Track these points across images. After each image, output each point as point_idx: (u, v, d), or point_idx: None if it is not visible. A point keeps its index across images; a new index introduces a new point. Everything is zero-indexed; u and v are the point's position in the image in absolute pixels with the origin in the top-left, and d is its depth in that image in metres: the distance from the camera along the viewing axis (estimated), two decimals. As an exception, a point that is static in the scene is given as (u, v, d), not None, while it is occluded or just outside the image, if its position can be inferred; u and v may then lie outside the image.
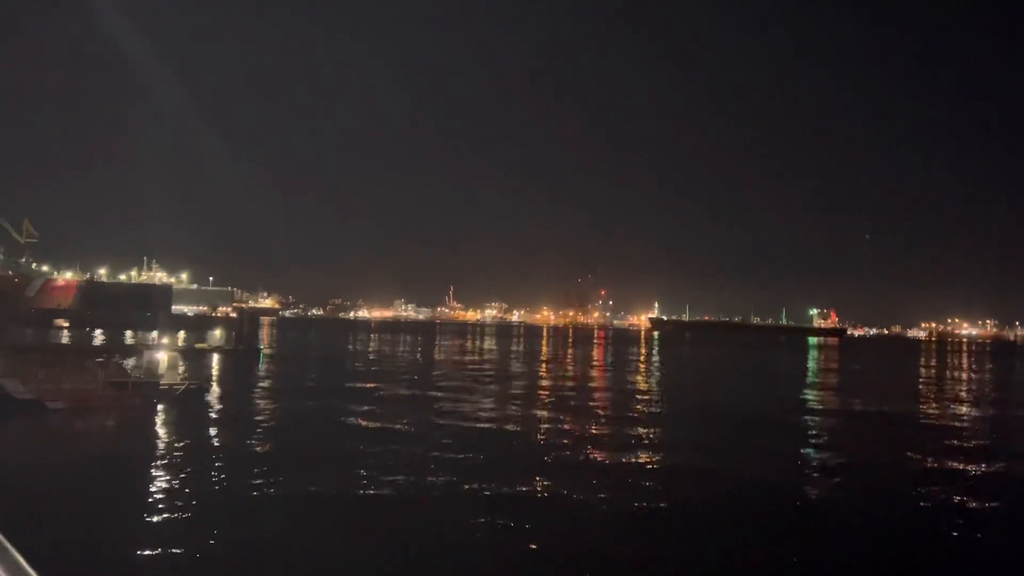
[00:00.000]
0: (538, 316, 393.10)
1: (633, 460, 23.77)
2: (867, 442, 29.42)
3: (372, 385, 43.55)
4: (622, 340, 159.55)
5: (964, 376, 76.46)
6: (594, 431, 29.63)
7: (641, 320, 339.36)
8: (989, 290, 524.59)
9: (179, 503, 16.79)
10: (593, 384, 51.91)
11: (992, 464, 25.39)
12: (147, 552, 13.72)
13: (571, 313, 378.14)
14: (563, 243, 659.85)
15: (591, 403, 39.36)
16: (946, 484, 21.87)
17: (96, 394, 30.94)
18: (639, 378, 59.19)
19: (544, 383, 49.87)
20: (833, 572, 14.75)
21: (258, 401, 35.53)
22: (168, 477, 19.39)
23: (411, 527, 15.91)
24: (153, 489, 17.99)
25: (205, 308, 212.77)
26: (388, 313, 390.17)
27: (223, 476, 19.62)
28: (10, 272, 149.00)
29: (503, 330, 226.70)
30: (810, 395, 49.56)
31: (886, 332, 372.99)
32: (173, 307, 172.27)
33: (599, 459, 23.88)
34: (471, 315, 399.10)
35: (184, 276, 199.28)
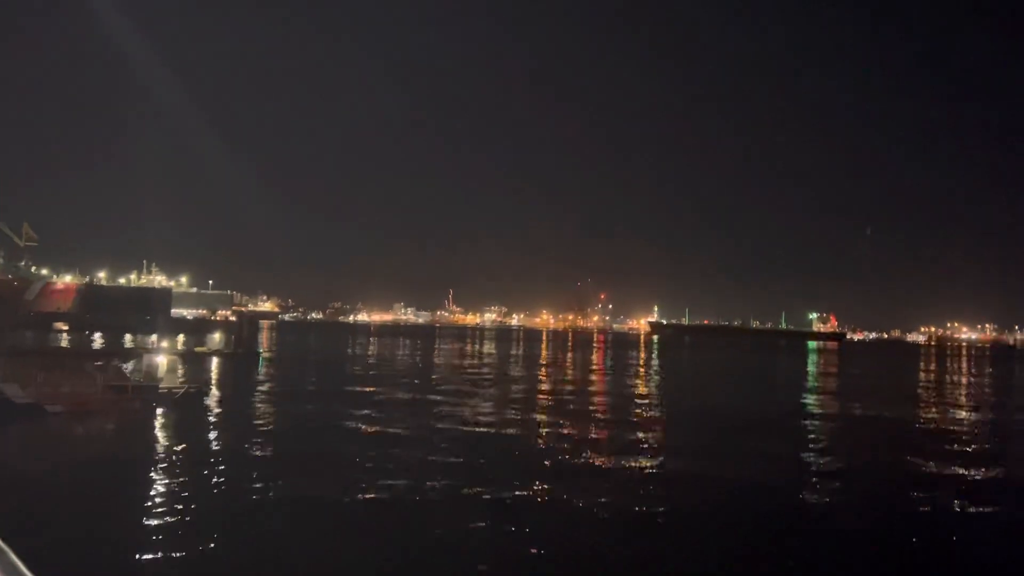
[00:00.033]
0: (537, 320, 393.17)
1: (632, 464, 23.76)
2: (866, 446, 29.42)
3: (371, 389, 43.51)
4: (621, 344, 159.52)
5: (963, 380, 76.44)
6: (593, 435, 29.62)
7: (640, 324, 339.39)
8: (989, 293, 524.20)
9: (179, 506, 16.78)
10: (592, 388, 51.88)
11: (992, 469, 25.40)
12: (147, 555, 13.71)
13: (570, 317, 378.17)
14: (563, 246, 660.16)
15: (590, 407, 39.35)
16: (946, 489, 21.86)
17: (95, 398, 30.93)
18: (638, 382, 59.17)
19: (543, 387, 49.85)
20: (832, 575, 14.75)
21: (257, 405, 35.51)
22: (167, 480, 19.38)
23: (411, 531, 15.90)
24: (152, 492, 17.98)
25: (204, 312, 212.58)
26: (387, 317, 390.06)
27: (223, 480, 19.61)
28: (9, 276, 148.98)
29: (502, 334, 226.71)
30: (809, 399, 49.57)
31: (885, 336, 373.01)
32: (172, 310, 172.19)
33: (599, 463, 23.87)
34: (471, 319, 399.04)
35: (184, 279, 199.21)
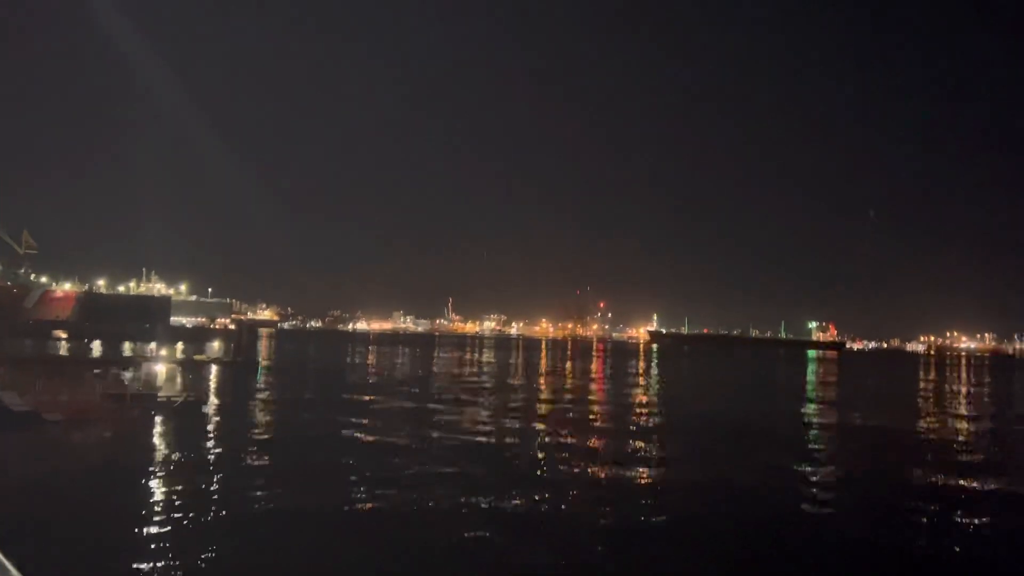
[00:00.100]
0: (536, 328, 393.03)
1: (632, 474, 23.73)
2: (866, 456, 29.39)
3: (370, 398, 43.47)
4: (621, 353, 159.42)
5: (963, 390, 76.38)
6: (593, 444, 29.60)
7: (640, 333, 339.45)
8: (988, 301, 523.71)
9: (176, 515, 16.74)
10: (592, 397, 51.83)
11: (993, 479, 25.33)
12: (143, 564, 13.67)
13: (570, 325, 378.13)
14: (562, 253, 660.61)
15: (590, 416, 39.30)
16: (947, 499, 21.83)
17: (94, 406, 30.88)
18: (638, 391, 59.11)
19: (543, 396, 49.80)
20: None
21: (256, 414, 35.46)
22: (165, 490, 19.34)
23: (410, 541, 15.87)
24: (150, 501, 17.94)
25: (203, 320, 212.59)
26: (387, 325, 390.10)
27: (220, 489, 19.57)
28: (8, 283, 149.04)
29: (502, 343, 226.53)
30: (808, 409, 49.51)
31: (885, 346, 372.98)
32: (171, 319, 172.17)
33: (598, 473, 23.84)
34: (470, 327, 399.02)
35: (183, 287, 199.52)
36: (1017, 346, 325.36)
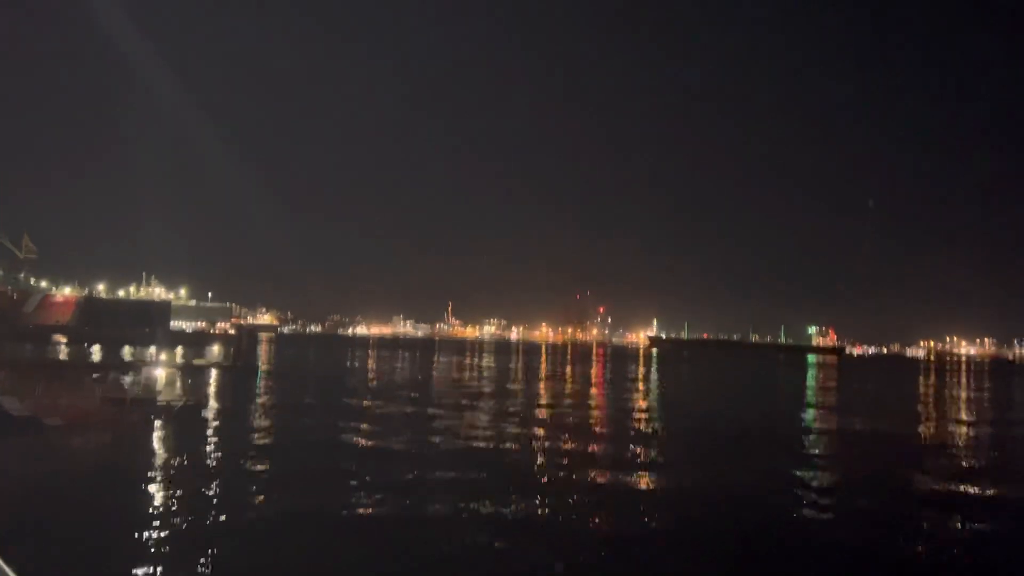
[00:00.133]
0: (536, 333, 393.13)
1: (631, 479, 23.74)
2: (864, 461, 29.37)
3: (370, 403, 43.45)
4: (620, 358, 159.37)
5: (963, 395, 76.33)
6: (592, 449, 29.60)
7: (640, 337, 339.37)
8: (989, 306, 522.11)
9: (175, 520, 16.76)
10: (591, 402, 51.82)
11: (993, 485, 25.34)
12: (142, 568, 13.68)
13: (569, 330, 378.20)
14: (562, 258, 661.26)
15: (589, 421, 39.31)
16: (946, 505, 21.85)
17: (94, 411, 30.88)
18: (637, 396, 59.10)
19: (542, 401, 49.78)
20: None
21: (256, 418, 35.46)
22: (164, 494, 19.35)
23: (409, 546, 15.88)
24: (148, 505, 17.96)
25: (203, 324, 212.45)
26: (387, 330, 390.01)
27: (219, 493, 19.58)
28: (9, 288, 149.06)
29: (502, 347, 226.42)
30: (808, 414, 49.51)
31: (885, 351, 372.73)
32: (171, 323, 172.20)
33: (597, 478, 23.83)
34: (470, 331, 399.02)
35: (183, 291, 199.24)
36: (1017, 351, 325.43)
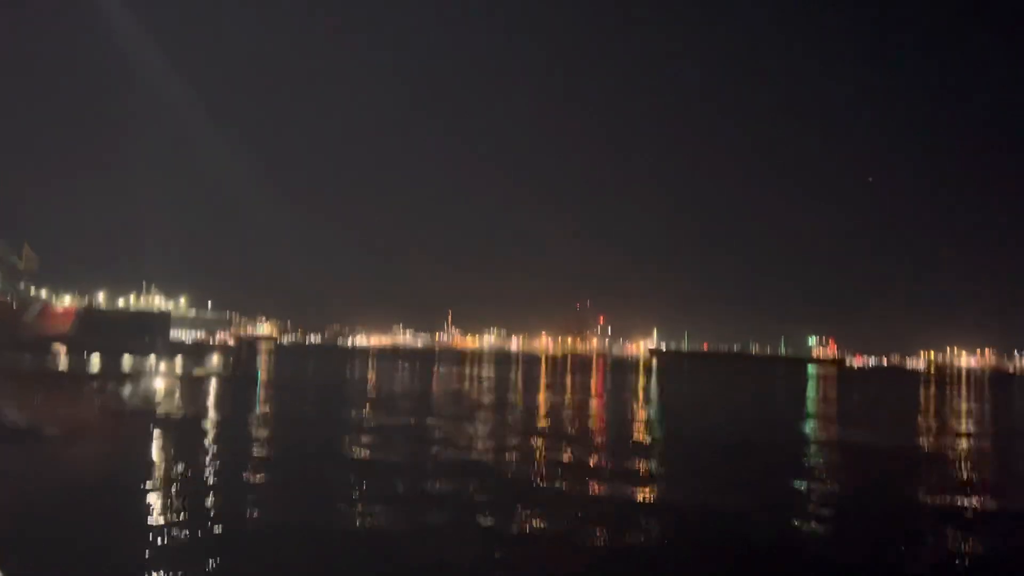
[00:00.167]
0: (536, 343, 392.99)
1: (631, 493, 23.64)
2: (866, 474, 29.30)
3: (369, 414, 43.39)
4: (620, 369, 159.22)
5: (964, 408, 76.25)
6: (592, 462, 29.52)
7: (640, 348, 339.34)
8: (989, 315, 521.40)
9: (172, 533, 16.69)
10: (591, 414, 51.74)
11: (997, 500, 25.25)
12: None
13: (569, 340, 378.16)
14: (562, 267, 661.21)
15: (589, 433, 39.25)
16: (950, 519, 21.76)
17: (93, 421, 30.86)
18: (637, 408, 59.02)
19: (542, 412, 49.69)
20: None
21: (254, 430, 35.36)
22: (161, 506, 19.28)
23: (405, 558, 15.82)
24: (146, 517, 17.88)
25: (203, 334, 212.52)
26: (386, 340, 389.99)
27: (216, 505, 19.50)
28: (8, 297, 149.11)
29: (502, 358, 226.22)
30: (808, 426, 49.43)
31: (885, 362, 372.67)
32: (171, 333, 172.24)
33: (597, 491, 23.79)
34: (470, 341, 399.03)
35: (182, 301, 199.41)
36: (1018, 363, 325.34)
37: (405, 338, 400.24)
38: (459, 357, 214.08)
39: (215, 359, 78.83)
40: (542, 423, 42.50)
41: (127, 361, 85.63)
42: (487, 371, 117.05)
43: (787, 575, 16.33)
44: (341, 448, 29.68)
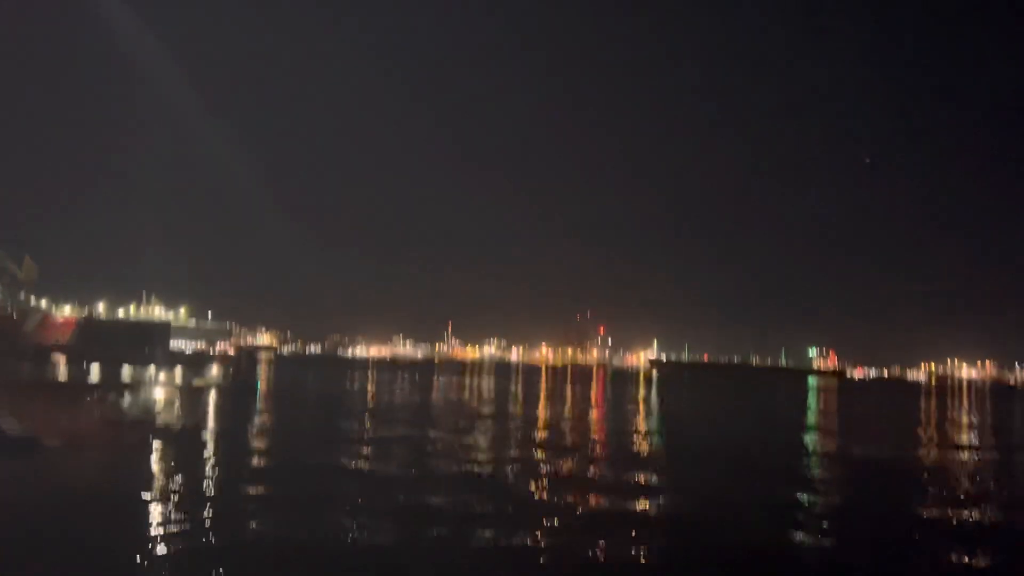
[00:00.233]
0: (536, 354, 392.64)
1: (630, 505, 23.61)
2: (866, 486, 29.24)
3: (368, 425, 43.32)
4: (621, 380, 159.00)
5: (964, 420, 76.08)
6: (592, 474, 29.47)
7: (640, 359, 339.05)
8: (990, 327, 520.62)
9: (170, 544, 16.65)
10: (591, 425, 51.64)
11: (997, 513, 25.18)
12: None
13: (570, 351, 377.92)
14: (563, 278, 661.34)
15: (589, 445, 39.14)
16: (950, 531, 21.71)
17: (92, 431, 30.80)
18: (637, 420, 58.91)
19: (542, 424, 49.60)
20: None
21: (253, 441, 35.31)
22: (160, 517, 19.23)
23: (404, 571, 15.78)
24: (144, 529, 17.84)
25: (203, 345, 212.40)
26: (386, 350, 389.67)
27: (215, 517, 19.45)
28: (8, 307, 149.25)
29: (501, 368, 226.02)
30: (808, 438, 49.32)
31: (886, 373, 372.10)
32: (171, 343, 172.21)
33: (598, 504, 23.76)
34: (470, 352, 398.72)
35: (182, 311, 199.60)
36: (1018, 375, 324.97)
37: (405, 348, 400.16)
38: (459, 368, 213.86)
39: (215, 369, 78.79)
40: (542, 434, 42.42)
41: (127, 371, 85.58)
42: (487, 382, 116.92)
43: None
44: (339, 460, 29.61)
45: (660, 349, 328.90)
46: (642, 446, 39.68)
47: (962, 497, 27.56)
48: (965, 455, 41.89)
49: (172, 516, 19.40)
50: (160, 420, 34.15)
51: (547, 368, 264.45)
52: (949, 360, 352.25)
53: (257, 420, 44.75)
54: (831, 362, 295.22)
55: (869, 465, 36.24)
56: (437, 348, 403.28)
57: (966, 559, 18.96)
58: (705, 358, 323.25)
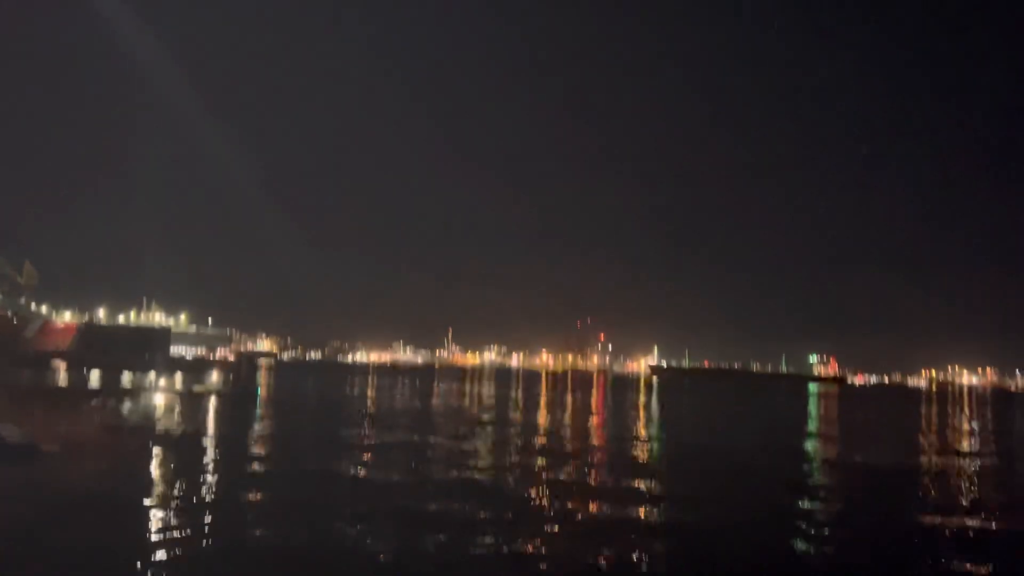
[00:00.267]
0: (537, 360, 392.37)
1: (631, 512, 23.58)
2: (867, 493, 29.16)
3: (369, 432, 43.27)
4: (621, 386, 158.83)
5: (965, 427, 75.98)
6: (592, 481, 29.46)
7: (640, 365, 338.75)
8: (991, 333, 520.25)
9: (169, 551, 16.63)
10: (591, 431, 51.60)
11: (1000, 520, 25.13)
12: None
13: (570, 357, 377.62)
14: (563, 284, 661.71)
15: (590, 451, 39.08)
16: (951, 537, 21.66)
17: (92, 437, 30.78)
18: (638, 426, 58.83)
19: (542, 430, 49.57)
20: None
21: (253, 447, 35.28)
22: (159, 524, 19.21)
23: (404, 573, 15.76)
24: (143, 536, 17.82)
25: (203, 351, 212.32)
26: (386, 357, 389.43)
27: (214, 524, 19.43)
28: (9, 313, 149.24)
29: (502, 375, 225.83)
30: (809, 445, 49.27)
31: (887, 380, 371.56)
32: (171, 349, 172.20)
33: (598, 511, 23.72)
34: (470, 358, 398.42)
35: (183, 317, 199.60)
36: (1019, 382, 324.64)
37: (405, 355, 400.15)
38: (459, 374, 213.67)
39: (215, 375, 78.80)
40: (541, 440, 42.37)
41: (127, 377, 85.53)
42: (487, 388, 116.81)
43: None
44: (340, 466, 29.58)
45: (660, 355, 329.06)
46: (642, 452, 39.63)
47: (963, 504, 27.52)
48: (966, 462, 41.80)
49: (172, 522, 19.38)
50: (160, 426, 34.12)
51: (547, 374, 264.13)
52: (950, 367, 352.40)
53: (257, 426, 44.71)
54: (832, 368, 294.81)
55: (870, 472, 36.19)
56: (437, 354, 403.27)
57: (967, 566, 18.93)
58: (706, 364, 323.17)
